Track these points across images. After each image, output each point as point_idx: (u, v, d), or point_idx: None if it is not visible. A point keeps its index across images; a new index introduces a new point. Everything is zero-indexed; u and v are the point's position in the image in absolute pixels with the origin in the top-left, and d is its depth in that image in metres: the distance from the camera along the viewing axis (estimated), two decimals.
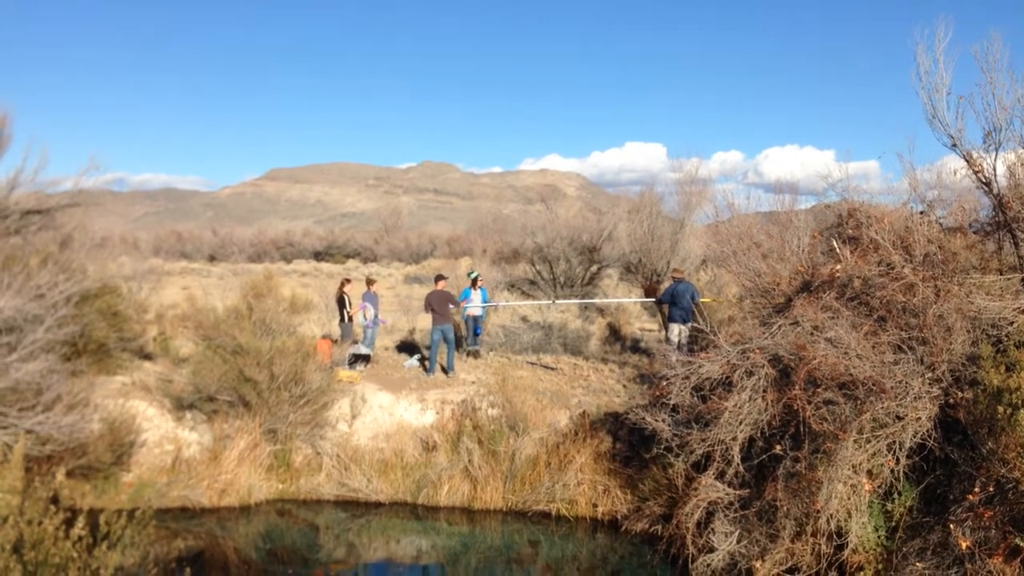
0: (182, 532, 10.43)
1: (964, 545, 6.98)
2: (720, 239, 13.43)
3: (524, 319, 19.09)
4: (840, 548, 7.95)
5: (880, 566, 7.90)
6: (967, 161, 8.84)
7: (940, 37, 8.86)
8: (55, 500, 4.93)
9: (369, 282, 16.31)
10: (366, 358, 14.96)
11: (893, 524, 8.03)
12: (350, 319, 15.84)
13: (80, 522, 4.58)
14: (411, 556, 10.16)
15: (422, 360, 15.81)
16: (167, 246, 54.31)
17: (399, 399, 12.85)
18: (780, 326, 8.94)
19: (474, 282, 16.39)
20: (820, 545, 8.05)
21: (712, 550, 8.52)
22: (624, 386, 13.52)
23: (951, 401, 7.69)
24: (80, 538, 4.53)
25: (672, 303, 14.25)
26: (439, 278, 15.56)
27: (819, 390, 7.98)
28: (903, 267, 8.56)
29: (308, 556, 9.99)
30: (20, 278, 8.83)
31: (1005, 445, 6.88)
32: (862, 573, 7.91)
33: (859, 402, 7.74)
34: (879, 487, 7.86)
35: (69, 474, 10.06)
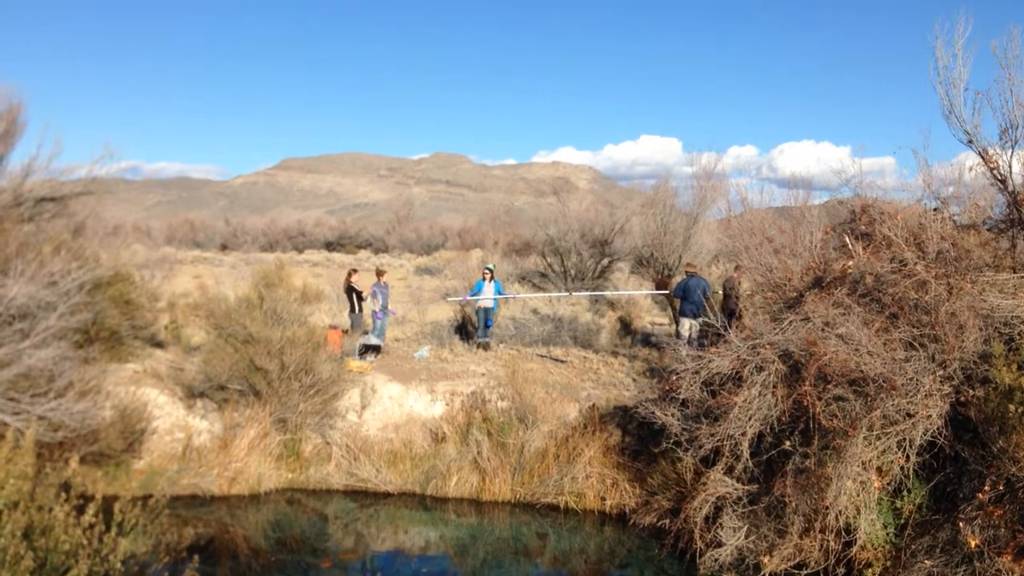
0: (192, 520, 10.49)
1: (973, 543, 6.96)
2: (732, 234, 13.40)
3: (535, 311, 19.10)
4: (848, 544, 7.94)
5: (888, 563, 7.89)
6: (983, 158, 8.79)
7: (960, 32, 8.80)
8: (67, 487, 4.96)
9: (379, 272, 16.31)
10: (376, 349, 15.00)
11: (902, 521, 8.01)
12: (360, 310, 15.87)
13: (91, 509, 4.61)
14: (419, 546, 10.19)
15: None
16: (180, 235, 54.50)
17: (409, 390, 12.87)
18: (791, 322, 8.91)
19: (491, 274, 16.39)
20: (828, 541, 8.03)
21: (720, 545, 8.52)
22: (634, 380, 13.50)
23: (962, 399, 7.66)
24: (91, 525, 4.57)
25: (683, 298, 14.26)
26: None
27: (829, 386, 7.96)
28: (916, 264, 8.51)
29: (317, 545, 10.04)
30: (33, 265, 8.89)
31: (1016, 444, 6.86)
32: (870, 570, 7.90)
33: (869, 399, 7.72)
34: (888, 484, 7.84)
35: (81, 460, 10.12)
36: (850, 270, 9.22)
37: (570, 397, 12.48)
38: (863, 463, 7.67)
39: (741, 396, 8.48)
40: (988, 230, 9.14)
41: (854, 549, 7.88)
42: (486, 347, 16.26)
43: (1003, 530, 6.97)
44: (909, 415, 7.58)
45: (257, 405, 11.71)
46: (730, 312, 13.78)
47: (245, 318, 12.00)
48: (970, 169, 9.17)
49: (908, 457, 7.61)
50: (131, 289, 13.67)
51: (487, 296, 16.28)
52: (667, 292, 17.12)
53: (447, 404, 12.56)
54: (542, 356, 15.68)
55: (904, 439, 7.61)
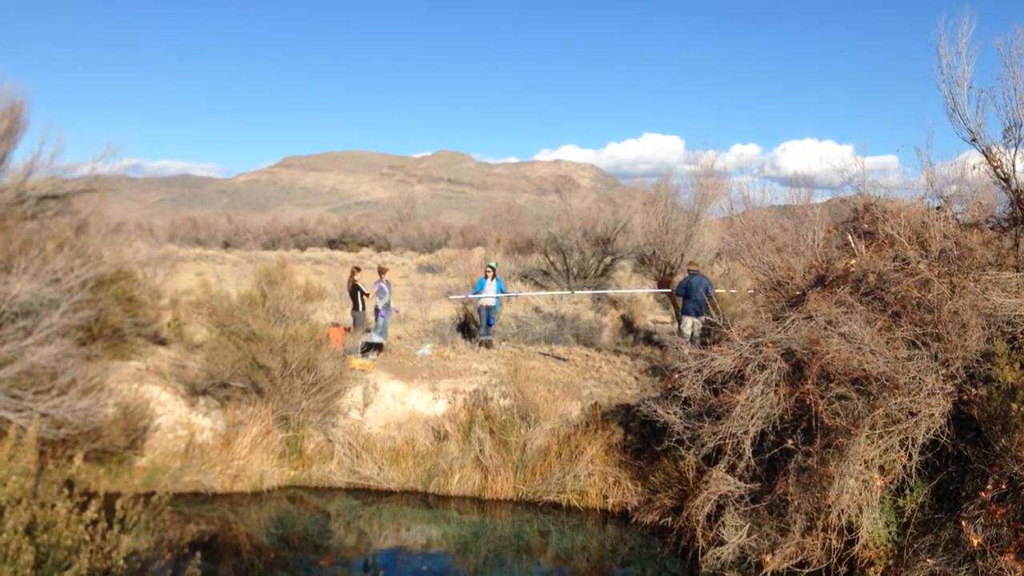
0: (195, 517, 10.51)
1: (975, 542, 6.95)
2: (735, 232, 13.37)
3: (537, 310, 19.10)
4: (851, 543, 7.93)
5: (890, 562, 7.88)
6: (986, 156, 8.76)
7: (963, 30, 8.77)
8: (70, 483, 4.97)
9: (381, 271, 16.33)
10: (379, 347, 15.01)
11: (904, 520, 8.00)
12: (363, 308, 15.87)
13: (93, 505, 4.61)
14: (421, 544, 10.19)
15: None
16: (182, 232, 54.61)
17: (411, 388, 12.88)
18: (794, 320, 8.90)
19: (493, 272, 16.40)
20: (831, 540, 8.03)
21: (722, 543, 8.52)
22: (636, 378, 13.50)
23: (965, 398, 7.64)
24: (94, 521, 4.57)
25: (686, 296, 14.25)
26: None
27: (832, 385, 7.94)
28: (918, 262, 8.49)
29: (319, 543, 10.05)
30: (36, 263, 8.90)
31: (1018, 442, 6.85)
32: (872, 569, 7.89)
33: (872, 397, 7.70)
34: (891, 483, 7.83)
35: (84, 458, 10.07)
36: (853, 269, 9.20)
37: (572, 395, 12.48)
38: (865, 462, 7.66)
39: (743, 394, 8.47)
40: (991, 229, 9.11)
41: (856, 548, 7.87)
42: (488, 345, 16.26)
43: (1005, 529, 6.96)
44: (912, 414, 7.57)
45: (259, 403, 11.72)
46: None
47: (247, 316, 12.02)
48: (973, 167, 9.14)
49: (911, 456, 7.60)
50: (134, 287, 13.70)
51: (489, 294, 16.28)
52: (669, 290, 17.11)
53: (449, 402, 12.56)
54: (544, 354, 15.67)
55: (907, 438, 7.60)
